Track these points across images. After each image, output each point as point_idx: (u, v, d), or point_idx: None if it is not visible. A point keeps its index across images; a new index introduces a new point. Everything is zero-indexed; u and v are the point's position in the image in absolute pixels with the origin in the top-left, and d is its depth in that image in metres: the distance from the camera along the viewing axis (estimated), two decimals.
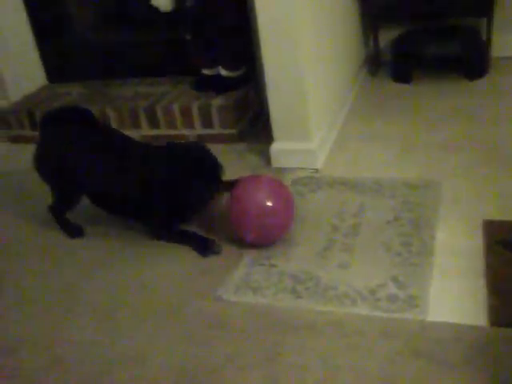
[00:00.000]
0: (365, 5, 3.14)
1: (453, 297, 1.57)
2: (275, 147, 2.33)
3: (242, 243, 1.88)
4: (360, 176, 2.20)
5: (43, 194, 2.48)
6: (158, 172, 1.90)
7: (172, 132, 2.75)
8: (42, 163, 2.10)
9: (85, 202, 2.13)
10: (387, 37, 3.26)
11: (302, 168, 2.29)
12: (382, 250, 1.78)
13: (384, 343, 1.44)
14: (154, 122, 2.77)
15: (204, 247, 1.91)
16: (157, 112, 2.74)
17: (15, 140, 3.10)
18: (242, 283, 1.73)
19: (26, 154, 2.94)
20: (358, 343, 1.46)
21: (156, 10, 2.70)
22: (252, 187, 1.87)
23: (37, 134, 2.97)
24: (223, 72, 2.77)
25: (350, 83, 2.93)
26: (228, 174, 2.35)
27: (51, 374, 1.53)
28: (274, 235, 1.87)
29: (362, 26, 3.22)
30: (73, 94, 3.14)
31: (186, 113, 2.69)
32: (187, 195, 1.92)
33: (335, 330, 1.51)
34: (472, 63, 2.97)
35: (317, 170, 2.28)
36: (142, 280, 1.84)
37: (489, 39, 2.97)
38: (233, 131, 2.65)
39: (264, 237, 1.86)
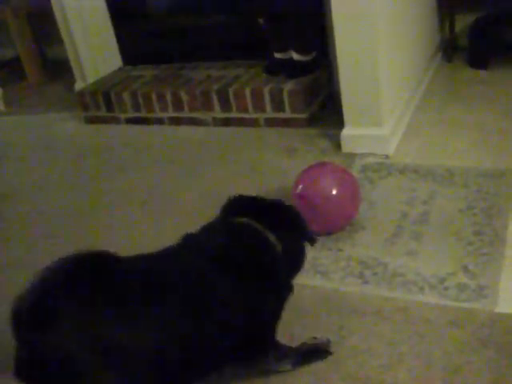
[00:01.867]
0: None
1: None
2: (346, 132, 2.32)
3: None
4: (432, 163, 2.17)
5: (119, 173, 2.57)
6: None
7: (243, 115, 2.77)
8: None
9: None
10: (464, 20, 3.17)
11: (373, 154, 2.28)
12: (452, 239, 1.75)
13: (451, 332, 1.43)
14: (225, 105, 2.80)
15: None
16: (229, 95, 2.77)
17: (91, 121, 3.20)
18: (310, 266, 1.74)
19: (101, 134, 3.06)
20: (424, 331, 1.45)
21: None
22: (316, 177, 1.88)
23: (112, 115, 3.08)
24: (295, 56, 2.77)
25: (424, 68, 2.87)
26: (298, 158, 2.37)
27: None
28: (339, 224, 1.88)
29: (438, 9, 3.14)
30: (147, 76, 3.21)
31: (257, 96, 2.71)
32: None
33: (402, 316, 1.51)
34: None
35: (388, 156, 2.26)
36: None
37: None
38: (303, 115, 2.66)
39: (328, 226, 1.86)
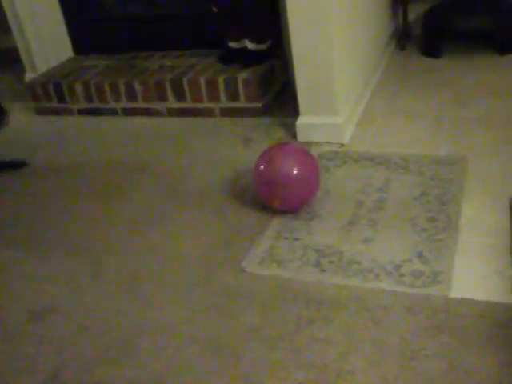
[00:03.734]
0: None
1: (478, 274, 1.55)
2: (301, 121, 2.32)
3: (264, 215, 1.89)
4: (386, 151, 2.18)
5: (70, 167, 2.52)
6: None
7: (198, 105, 2.74)
8: None
9: None
10: (417, 9, 3.20)
11: (328, 142, 2.28)
12: (407, 226, 1.77)
13: (407, 318, 1.44)
14: (180, 95, 2.77)
15: None
16: (183, 85, 2.74)
17: (42, 112, 3.12)
18: (266, 256, 1.73)
19: (53, 126, 2.99)
20: (381, 318, 1.46)
21: None
22: (277, 155, 1.90)
23: (64, 106, 3.02)
24: (249, 45, 2.75)
25: (378, 57, 2.89)
26: (254, 147, 2.35)
27: (77, 341, 1.55)
28: (300, 201, 1.91)
29: None
30: (99, 66, 3.15)
31: (211, 86, 2.69)
32: None
33: (358, 304, 1.51)
34: (504, 37, 2.91)
35: (343, 145, 2.26)
36: (167, 250, 1.85)
37: None
38: (258, 105, 2.64)
39: (290, 203, 1.90)
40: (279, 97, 2.76)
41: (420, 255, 1.63)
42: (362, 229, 1.79)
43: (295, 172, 1.85)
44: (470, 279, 1.54)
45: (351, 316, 1.48)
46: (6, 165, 2.54)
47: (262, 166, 1.88)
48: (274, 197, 1.88)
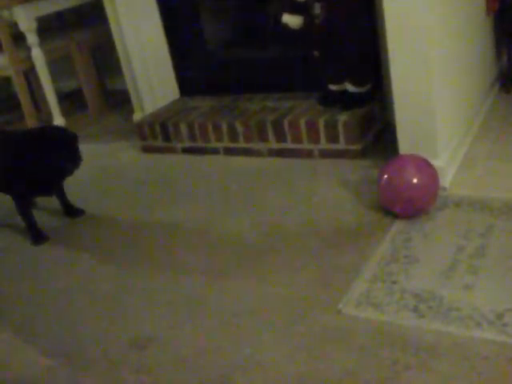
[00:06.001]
0: (499, 18, 3.03)
1: None
2: None
3: (362, 258, 1.89)
4: (489, 196, 2.13)
5: (175, 203, 2.62)
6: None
7: (297, 146, 2.79)
8: None
9: None
10: None
11: None
12: (510, 273, 1.71)
13: (510, 370, 1.39)
14: (280, 136, 2.83)
15: (35, 238, 2.47)
16: (283, 126, 2.80)
17: (148, 150, 3.27)
18: (363, 298, 1.72)
19: (158, 164, 3.13)
20: (481, 368, 1.41)
21: (286, 26, 2.77)
22: (400, 164, 2.15)
23: (169, 145, 3.16)
24: (350, 88, 2.78)
25: (480, 100, 2.84)
26: (353, 189, 2.36)
27: (175, 372, 1.61)
28: (420, 207, 2.08)
29: (495, 39, 3.11)
30: (203, 107, 3.27)
31: (311, 127, 2.73)
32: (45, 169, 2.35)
33: (458, 352, 1.47)
34: None
35: (444, 188, 2.23)
36: (264, 290, 1.88)
37: None
38: (358, 147, 2.65)
39: (410, 208, 2.07)
40: (378, 139, 2.76)
41: None
42: (462, 275, 1.75)
43: (414, 182, 2.05)
44: None
45: (450, 364, 1.44)
46: (67, 211, 2.68)
47: (384, 181, 2.09)
48: (394, 203, 2.08)
